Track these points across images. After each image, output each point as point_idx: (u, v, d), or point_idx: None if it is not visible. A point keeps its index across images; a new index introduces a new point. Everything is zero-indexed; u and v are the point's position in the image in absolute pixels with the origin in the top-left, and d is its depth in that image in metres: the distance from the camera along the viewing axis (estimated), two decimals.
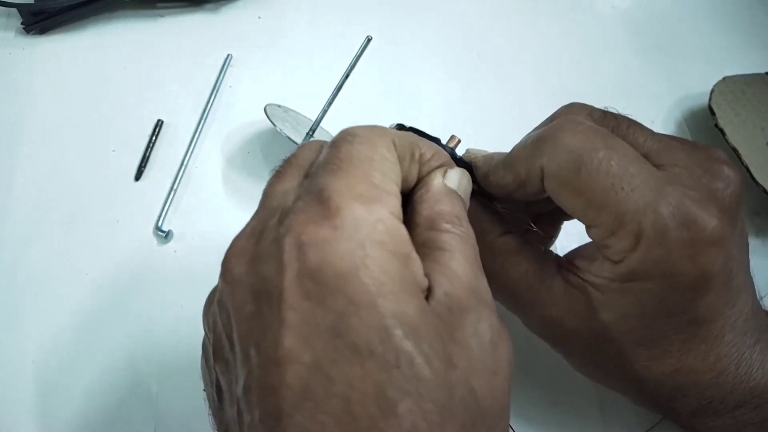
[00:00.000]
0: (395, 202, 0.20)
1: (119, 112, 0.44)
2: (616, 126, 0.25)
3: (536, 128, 0.28)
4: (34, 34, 0.48)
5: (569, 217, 0.30)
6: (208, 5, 0.50)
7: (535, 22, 0.51)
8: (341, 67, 0.38)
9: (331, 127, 0.42)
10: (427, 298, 0.19)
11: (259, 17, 0.50)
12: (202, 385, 0.33)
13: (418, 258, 0.19)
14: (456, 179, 0.23)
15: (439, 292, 0.19)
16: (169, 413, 0.32)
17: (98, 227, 0.38)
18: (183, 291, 0.36)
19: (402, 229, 0.19)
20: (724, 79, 0.44)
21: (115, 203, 0.40)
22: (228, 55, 0.47)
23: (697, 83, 0.45)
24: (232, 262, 0.20)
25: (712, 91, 0.43)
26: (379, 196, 0.19)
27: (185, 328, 0.35)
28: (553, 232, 0.32)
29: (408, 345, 0.17)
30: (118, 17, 0.49)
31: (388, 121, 0.45)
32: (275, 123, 0.38)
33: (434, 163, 0.23)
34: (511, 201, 0.28)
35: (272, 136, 0.43)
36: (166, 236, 0.38)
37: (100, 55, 0.47)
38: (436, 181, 0.23)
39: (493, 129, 0.44)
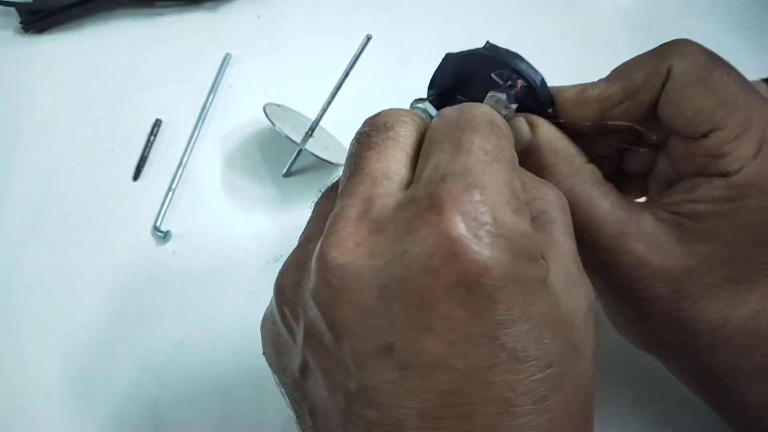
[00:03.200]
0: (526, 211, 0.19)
1: (117, 111, 0.44)
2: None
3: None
4: (32, 33, 0.47)
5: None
6: (207, 4, 0.50)
7: (537, 21, 0.51)
8: (341, 66, 0.37)
9: (330, 127, 0.42)
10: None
11: (258, 16, 0.50)
12: (201, 389, 0.33)
13: (541, 256, 0.19)
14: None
15: (558, 275, 0.20)
16: (169, 417, 0.32)
17: (96, 228, 0.38)
18: (182, 292, 0.36)
19: (533, 235, 0.19)
20: None
21: (113, 203, 0.39)
22: (227, 54, 0.46)
23: None
24: (339, 246, 0.18)
25: None
26: (520, 204, 0.19)
27: (185, 329, 0.35)
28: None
29: (551, 346, 0.18)
30: (116, 16, 0.49)
31: None
32: (274, 122, 0.37)
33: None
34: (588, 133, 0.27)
35: (271, 136, 0.43)
36: (165, 236, 0.38)
37: (98, 55, 0.47)
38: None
39: None
